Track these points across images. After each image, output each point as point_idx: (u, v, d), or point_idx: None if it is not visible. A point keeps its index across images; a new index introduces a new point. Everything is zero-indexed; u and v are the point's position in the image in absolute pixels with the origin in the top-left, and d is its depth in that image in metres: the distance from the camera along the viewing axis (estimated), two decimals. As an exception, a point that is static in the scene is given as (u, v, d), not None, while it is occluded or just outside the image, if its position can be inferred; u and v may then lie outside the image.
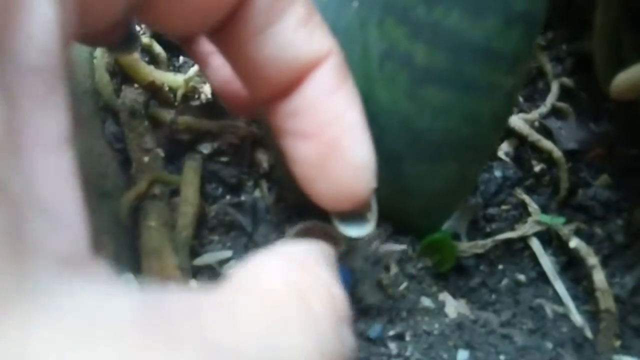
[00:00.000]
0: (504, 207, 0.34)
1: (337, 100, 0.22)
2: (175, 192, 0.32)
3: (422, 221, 0.30)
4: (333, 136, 0.22)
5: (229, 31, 0.21)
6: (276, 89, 0.22)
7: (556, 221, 0.32)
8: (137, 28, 0.36)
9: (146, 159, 0.33)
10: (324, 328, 0.16)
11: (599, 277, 0.29)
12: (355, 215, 0.25)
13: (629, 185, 0.34)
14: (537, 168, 0.35)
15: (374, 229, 0.25)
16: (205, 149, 0.34)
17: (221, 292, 0.15)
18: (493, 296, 0.32)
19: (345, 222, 0.25)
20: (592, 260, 0.30)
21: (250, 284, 0.16)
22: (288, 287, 0.17)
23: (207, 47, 0.30)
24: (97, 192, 0.32)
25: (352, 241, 0.26)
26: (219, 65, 0.29)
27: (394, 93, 0.26)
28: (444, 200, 0.29)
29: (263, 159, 0.33)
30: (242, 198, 0.32)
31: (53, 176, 0.13)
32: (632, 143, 0.35)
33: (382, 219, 0.31)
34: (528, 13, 0.23)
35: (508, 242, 0.33)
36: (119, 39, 0.29)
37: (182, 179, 0.32)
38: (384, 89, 0.26)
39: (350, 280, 0.27)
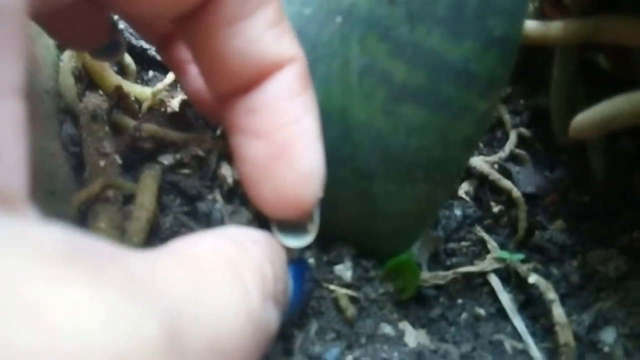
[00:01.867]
0: (463, 243, 0.34)
1: (295, 105, 0.23)
2: (129, 199, 0.31)
3: (387, 244, 0.30)
4: (285, 139, 0.23)
5: (198, 20, 0.22)
6: (237, 84, 0.23)
7: (515, 257, 0.32)
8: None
9: (102, 163, 0.31)
10: (253, 296, 0.17)
11: (558, 311, 0.29)
12: (296, 225, 0.24)
13: (582, 230, 0.35)
14: (496, 209, 0.36)
15: (312, 241, 0.25)
16: (167, 160, 0.33)
17: (147, 252, 0.16)
18: (452, 328, 0.31)
19: (285, 231, 0.24)
20: (552, 295, 0.30)
21: (177, 249, 0.17)
22: (217, 254, 0.17)
23: (184, 54, 0.30)
24: (44, 191, 0.30)
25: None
26: (195, 75, 0.29)
27: (371, 109, 0.26)
28: (411, 223, 0.29)
29: (228, 174, 0.32)
30: (198, 207, 0.31)
31: (1, 119, 0.14)
32: (584, 191, 0.37)
33: (345, 241, 0.31)
34: (505, 38, 0.25)
35: (467, 277, 0.33)
36: (103, 44, 0.29)
37: (138, 185, 0.31)
38: (361, 104, 0.27)
39: (305, 275, 0.26)
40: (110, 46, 0.29)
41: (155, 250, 0.16)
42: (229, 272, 0.17)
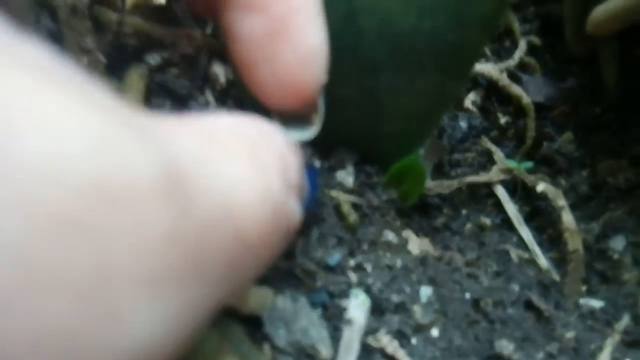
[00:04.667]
0: (469, 154, 0.33)
1: None
2: (115, 99, 0.28)
3: (391, 147, 0.28)
4: (283, 12, 0.20)
5: None
6: None
7: (523, 166, 0.31)
8: None
9: (85, 60, 0.29)
10: (273, 179, 0.15)
11: (568, 217, 0.28)
12: (299, 117, 0.22)
13: (592, 142, 0.33)
14: (503, 120, 0.34)
15: (317, 133, 0.23)
16: (154, 59, 0.30)
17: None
18: (456, 238, 0.30)
19: (287, 124, 0.22)
20: (561, 202, 0.28)
21: (192, 119, 0.15)
22: (236, 131, 0.16)
23: None
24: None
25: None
26: None
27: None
28: (419, 123, 0.27)
29: (220, 73, 0.29)
30: (190, 109, 0.28)
31: None
32: (595, 102, 0.35)
33: (347, 145, 0.29)
34: None
35: (472, 188, 0.31)
36: None
37: (124, 82, 0.28)
38: None
39: (316, 182, 0.25)
40: None
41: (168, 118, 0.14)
42: (247, 150, 0.15)
